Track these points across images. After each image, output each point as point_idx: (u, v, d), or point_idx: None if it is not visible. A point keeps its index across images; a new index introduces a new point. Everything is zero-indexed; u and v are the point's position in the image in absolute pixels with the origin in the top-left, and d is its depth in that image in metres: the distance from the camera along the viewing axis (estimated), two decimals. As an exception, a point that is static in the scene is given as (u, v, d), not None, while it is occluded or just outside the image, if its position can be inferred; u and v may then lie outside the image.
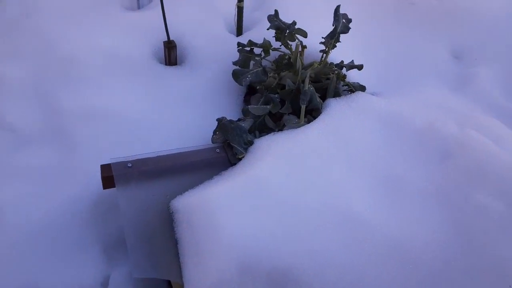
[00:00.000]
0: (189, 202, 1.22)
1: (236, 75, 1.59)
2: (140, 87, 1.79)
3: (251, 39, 1.82)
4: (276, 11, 1.67)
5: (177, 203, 1.25)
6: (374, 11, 2.12)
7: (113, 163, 1.30)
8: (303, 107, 1.47)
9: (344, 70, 1.65)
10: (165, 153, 1.39)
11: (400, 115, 1.45)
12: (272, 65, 1.73)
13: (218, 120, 1.52)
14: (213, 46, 1.94)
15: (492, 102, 1.78)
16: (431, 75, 1.92)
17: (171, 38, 1.89)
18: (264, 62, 1.71)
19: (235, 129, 1.44)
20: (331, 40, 1.55)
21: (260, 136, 1.53)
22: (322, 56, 1.65)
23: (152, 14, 2.02)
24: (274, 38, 1.74)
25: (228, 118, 1.66)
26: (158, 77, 1.84)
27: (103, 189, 1.31)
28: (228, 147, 1.46)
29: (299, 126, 1.45)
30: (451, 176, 1.28)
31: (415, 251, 1.16)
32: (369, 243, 1.17)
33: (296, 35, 1.60)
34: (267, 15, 2.02)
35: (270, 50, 1.70)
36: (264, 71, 1.60)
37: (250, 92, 1.89)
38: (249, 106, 1.54)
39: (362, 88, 1.62)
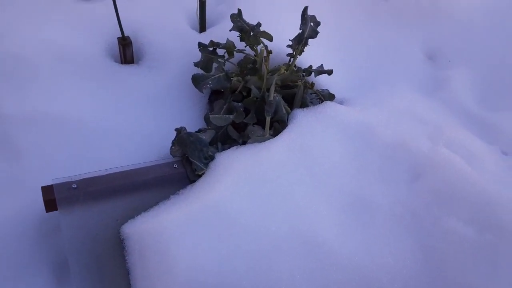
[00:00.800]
0: (141, 228, 1.12)
1: (196, 81, 1.47)
2: (92, 89, 1.63)
3: (215, 38, 1.68)
4: (239, 10, 1.54)
5: (128, 229, 1.14)
6: (345, 8, 2.01)
7: (56, 184, 1.17)
8: (268, 119, 1.37)
9: (312, 76, 1.55)
10: (116, 170, 1.27)
11: (370, 129, 1.37)
12: (236, 67, 1.61)
13: (177, 130, 1.40)
14: (174, 42, 1.79)
15: (465, 109, 1.72)
16: (404, 77, 1.85)
17: (126, 34, 1.73)
18: (227, 65, 1.59)
19: (194, 143, 1.33)
20: (298, 45, 1.45)
21: (223, 148, 1.42)
22: (289, 61, 1.55)
23: (107, 6, 1.85)
24: (239, 38, 1.62)
25: (189, 126, 1.55)
26: (113, 77, 1.69)
27: (46, 212, 1.19)
28: (187, 162, 1.35)
29: (263, 140, 1.35)
30: (421, 198, 1.23)
31: (384, 280, 1.11)
32: (336, 272, 1.10)
33: (261, 38, 1.48)
34: (231, 11, 1.89)
35: (234, 52, 1.57)
36: (227, 76, 1.48)
37: (215, 92, 1.77)
38: (210, 115, 1.42)
39: (331, 97, 1.53)
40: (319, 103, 1.49)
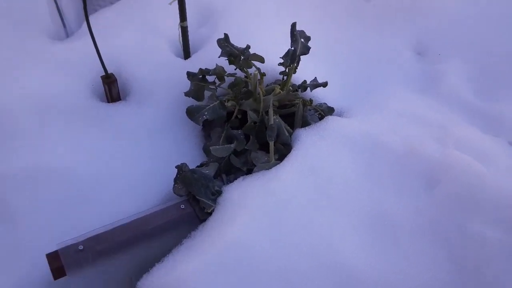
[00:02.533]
0: (159, 284, 1.05)
1: (191, 114, 1.41)
2: (81, 135, 1.56)
3: (201, 63, 1.63)
4: (226, 35, 1.48)
5: (144, 286, 1.07)
6: (328, 14, 1.97)
7: (61, 250, 1.09)
8: (271, 144, 1.32)
9: (308, 91, 1.50)
10: (121, 223, 1.20)
11: (376, 140, 1.33)
12: (228, 90, 1.55)
13: (178, 168, 1.34)
14: (160, 73, 1.72)
15: (463, 102, 1.69)
16: (396, 76, 1.82)
17: (109, 71, 1.66)
18: (219, 90, 1.53)
19: (199, 180, 1.27)
20: (292, 64, 1.40)
21: (228, 179, 1.36)
22: (282, 79, 1.50)
23: (85, 43, 1.77)
24: (227, 61, 1.57)
25: (187, 158, 1.49)
26: (101, 119, 1.62)
27: (54, 280, 1.11)
28: (194, 201, 1.28)
29: (270, 166, 1.29)
30: (441, 206, 1.18)
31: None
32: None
33: (253, 61, 1.43)
34: (214, 33, 1.84)
35: (225, 77, 1.52)
36: (222, 104, 1.43)
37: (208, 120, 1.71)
38: (211, 148, 1.36)
39: (331, 111, 1.49)
40: (319, 119, 1.45)
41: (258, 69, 1.42)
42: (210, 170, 1.33)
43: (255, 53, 1.42)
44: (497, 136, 1.49)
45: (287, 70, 1.48)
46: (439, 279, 1.09)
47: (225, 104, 1.44)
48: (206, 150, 1.47)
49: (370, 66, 1.85)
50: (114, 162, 1.50)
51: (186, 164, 1.36)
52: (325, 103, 1.53)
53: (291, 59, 1.40)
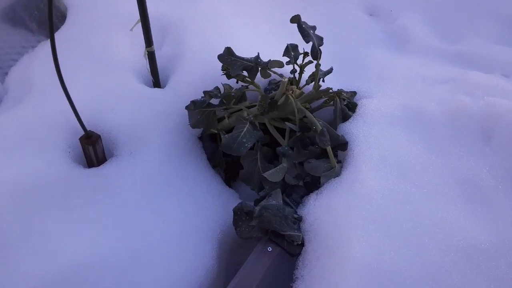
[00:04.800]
0: None
1: (228, 147, 1.22)
2: (83, 216, 1.24)
3: (184, 88, 1.50)
4: (228, 48, 1.31)
5: None
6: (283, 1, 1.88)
7: None
8: (329, 149, 1.22)
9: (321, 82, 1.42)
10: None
11: (417, 111, 1.33)
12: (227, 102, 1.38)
13: (237, 209, 1.18)
14: (141, 113, 1.46)
15: (437, 49, 1.78)
16: (368, 40, 1.82)
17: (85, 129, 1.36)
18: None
19: (276, 214, 1.13)
20: (317, 59, 1.29)
21: (293, 201, 1.24)
22: (294, 78, 1.39)
23: (34, 106, 1.44)
24: (225, 74, 1.40)
25: (208, 200, 1.32)
26: (98, 189, 1.30)
27: None
28: (277, 237, 1.14)
29: (338, 173, 1.20)
30: (505, 154, 1.23)
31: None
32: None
33: (272, 69, 1.29)
34: (182, 49, 1.62)
35: (232, 94, 1.35)
36: (253, 124, 1.27)
37: (206, 147, 1.53)
38: (265, 174, 1.22)
39: (354, 94, 1.43)
40: (348, 108, 1.38)
41: (281, 75, 1.29)
42: (277, 200, 1.19)
43: (273, 60, 1.28)
44: (489, 72, 1.59)
45: (294, 67, 1.37)
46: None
47: (255, 123, 1.28)
48: (247, 179, 1.31)
49: (340, 36, 1.82)
50: (126, 244, 1.19)
51: (245, 203, 1.20)
52: (341, 89, 1.46)
53: (313, 55, 1.29)
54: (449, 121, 1.29)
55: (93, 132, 1.38)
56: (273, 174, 1.22)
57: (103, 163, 1.41)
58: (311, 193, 1.21)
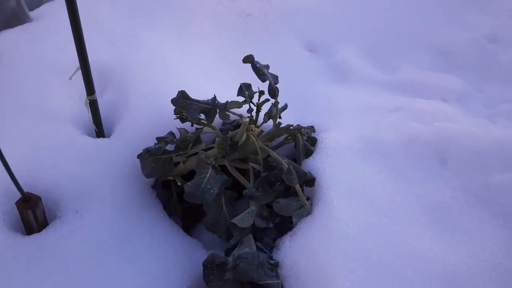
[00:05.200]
0: None
1: (192, 196, 1.11)
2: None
3: (132, 136, 1.40)
4: (182, 92, 1.24)
5: None
6: (222, 38, 1.87)
7: None
8: (298, 187, 1.18)
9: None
10: None
11: (374, 140, 1.35)
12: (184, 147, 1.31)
13: (208, 262, 1.09)
14: (87, 168, 1.33)
15: (376, 79, 1.85)
16: (314, 78, 1.86)
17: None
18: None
19: (252, 263, 1.05)
20: (275, 97, 1.27)
21: (266, 245, 1.17)
22: (251, 116, 1.35)
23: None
24: (178, 118, 1.33)
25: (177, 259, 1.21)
26: (34, 265, 1.12)
27: None
28: (254, 288, 1.06)
29: (309, 211, 1.16)
30: (463, 176, 1.27)
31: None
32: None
33: (230, 110, 1.24)
34: (125, 95, 1.52)
35: (188, 137, 1.28)
36: (215, 168, 1.20)
37: (160, 195, 1.43)
38: (234, 221, 1.14)
39: (313, 129, 1.42)
40: (309, 142, 1.37)
41: (241, 115, 1.24)
42: (250, 246, 1.11)
43: (232, 100, 1.23)
44: (430, 98, 1.68)
45: (250, 106, 1.34)
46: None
47: (217, 166, 1.21)
48: (213, 227, 1.22)
49: (285, 73, 1.82)
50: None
51: (216, 254, 1.11)
52: (299, 125, 1.45)
53: (271, 93, 1.27)
54: (406, 148, 1.32)
55: (31, 193, 1.22)
56: (243, 219, 1.14)
57: (44, 227, 1.25)
58: (284, 235, 1.15)
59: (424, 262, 1.02)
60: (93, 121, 1.43)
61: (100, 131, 1.46)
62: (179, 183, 1.35)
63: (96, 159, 1.36)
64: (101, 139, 1.43)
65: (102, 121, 1.46)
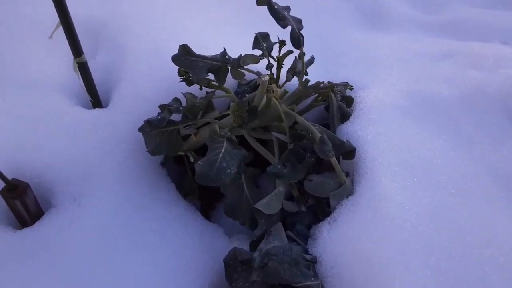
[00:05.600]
0: None
1: (206, 178, 0.91)
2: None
3: (131, 105, 1.17)
4: (183, 46, 0.99)
5: None
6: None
7: None
8: (334, 161, 0.95)
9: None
10: None
11: (426, 95, 1.09)
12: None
13: (229, 258, 0.89)
14: (82, 146, 1.11)
15: (420, 21, 1.56)
16: (344, 24, 1.57)
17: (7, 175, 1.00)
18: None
19: (284, 261, 0.85)
20: (299, 47, 1.01)
21: (298, 234, 0.96)
22: (271, 73, 1.10)
23: None
24: (184, 80, 1.10)
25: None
26: (30, 262, 0.96)
27: None
28: (289, 289, 0.86)
29: (349, 193, 0.94)
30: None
31: None
32: None
33: (245, 67, 0.99)
34: (121, 56, 1.29)
35: (197, 105, 1.05)
36: (232, 142, 0.98)
37: (172, 173, 1.22)
38: (258, 206, 0.93)
39: (349, 86, 1.16)
40: (344, 103, 1.12)
41: (258, 72, 1.00)
42: (280, 238, 0.91)
43: (246, 54, 0.98)
44: (487, 41, 1.39)
45: (269, 61, 1.08)
46: None
47: (233, 139, 0.99)
48: (233, 213, 1.01)
49: (309, 20, 1.54)
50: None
51: (238, 249, 0.91)
52: (329, 82, 1.19)
53: (294, 42, 1.01)
54: (467, 103, 1.06)
55: (17, 180, 1.02)
56: (269, 204, 0.93)
57: (39, 218, 1.07)
58: (321, 221, 0.93)
59: (505, 254, 0.79)
60: (86, 88, 1.21)
61: (95, 100, 1.24)
62: (192, 159, 1.14)
63: (93, 134, 1.15)
64: (97, 110, 1.21)
65: (98, 88, 1.24)
